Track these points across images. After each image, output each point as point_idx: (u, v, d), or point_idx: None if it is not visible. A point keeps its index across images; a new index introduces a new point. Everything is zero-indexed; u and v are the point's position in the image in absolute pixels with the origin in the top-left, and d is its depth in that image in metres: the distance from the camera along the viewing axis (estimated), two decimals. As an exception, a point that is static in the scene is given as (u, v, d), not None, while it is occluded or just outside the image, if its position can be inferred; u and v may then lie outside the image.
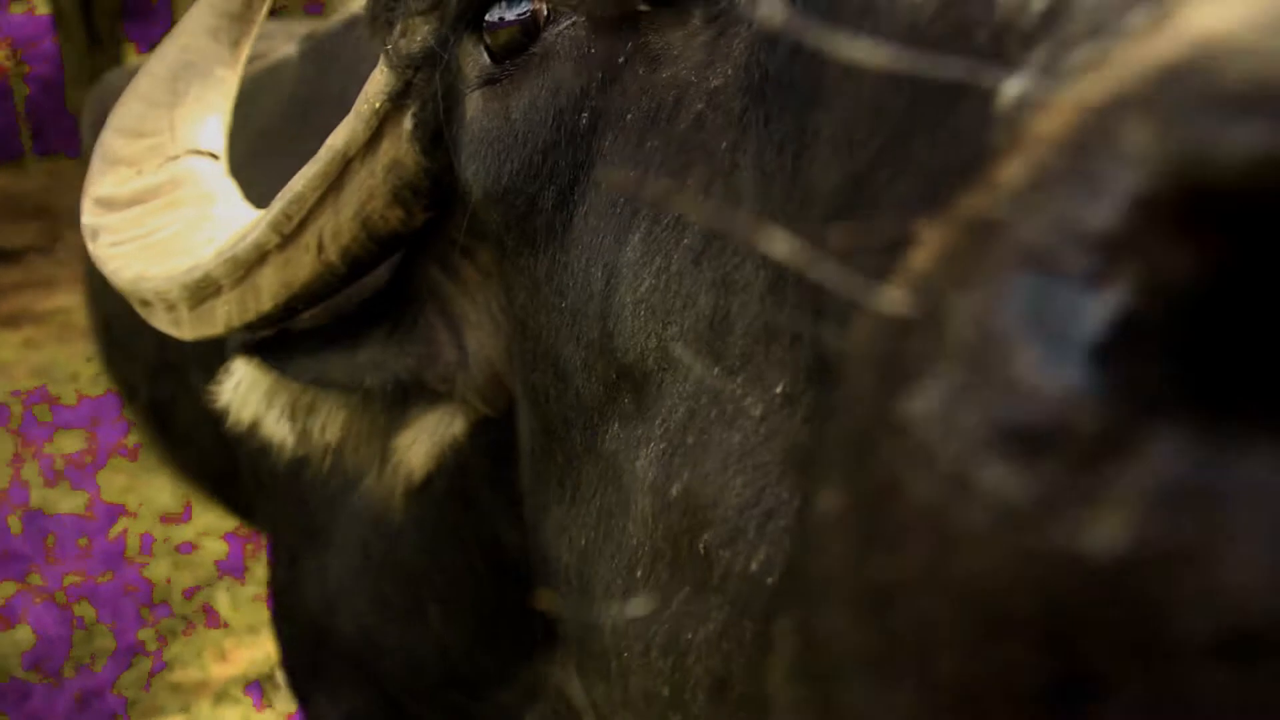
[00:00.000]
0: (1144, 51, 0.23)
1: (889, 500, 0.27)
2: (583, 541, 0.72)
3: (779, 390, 0.51)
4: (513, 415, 0.96)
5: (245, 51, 1.31)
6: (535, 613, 1.41)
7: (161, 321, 1.06)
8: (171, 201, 1.18)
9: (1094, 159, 0.23)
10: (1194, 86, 0.21)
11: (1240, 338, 0.22)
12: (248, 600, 3.88)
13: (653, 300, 0.60)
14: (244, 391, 1.00)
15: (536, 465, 0.84)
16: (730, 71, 0.59)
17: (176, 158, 1.22)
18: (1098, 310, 0.23)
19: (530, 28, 0.72)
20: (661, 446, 0.59)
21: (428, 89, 0.86)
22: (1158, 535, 0.21)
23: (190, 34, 1.29)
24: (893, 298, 0.27)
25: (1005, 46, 0.35)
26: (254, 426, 1.02)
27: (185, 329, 1.04)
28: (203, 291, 0.99)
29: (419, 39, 0.85)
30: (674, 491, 0.57)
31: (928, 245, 0.27)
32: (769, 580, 0.48)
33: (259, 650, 3.63)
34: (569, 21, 0.70)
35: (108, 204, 1.20)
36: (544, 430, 0.81)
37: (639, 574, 0.61)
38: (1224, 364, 0.22)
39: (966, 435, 0.24)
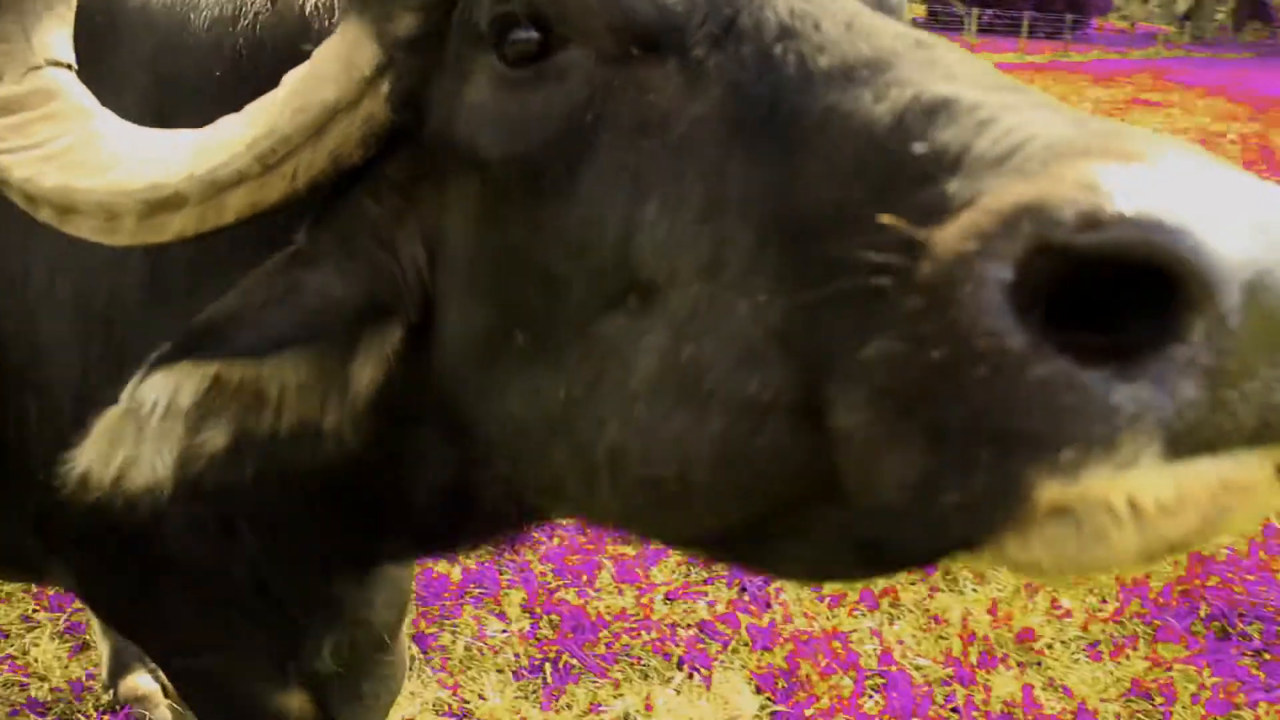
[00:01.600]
0: (1015, 191, 0.69)
1: (952, 321, 0.70)
2: (563, 394, 1.05)
3: (761, 297, 0.90)
4: (429, 320, 1.23)
5: (85, -35, 1.37)
6: (343, 538, 1.63)
7: (89, 230, 1.17)
8: (49, 114, 1.26)
9: (1013, 229, 0.67)
10: (1034, 211, 0.67)
11: (1067, 299, 0.68)
12: None
13: (666, 245, 0.94)
14: (157, 397, 1.06)
15: (489, 350, 1.15)
16: (710, 107, 0.95)
17: (39, 68, 1.28)
18: (1013, 272, 0.67)
19: (543, 46, 1.03)
20: (669, 330, 0.94)
21: (405, 64, 1.12)
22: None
23: (31, -59, 1.32)
24: (947, 248, 0.71)
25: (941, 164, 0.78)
26: (117, 481, 1.07)
27: (123, 236, 1.17)
28: (164, 206, 1.13)
29: (404, 26, 1.10)
30: (683, 355, 0.93)
31: (952, 235, 0.71)
32: (763, 397, 0.87)
33: None
34: (580, 50, 1.02)
35: (-26, 108, 1.23)
36: (502, 323, 1.12)
37: (641, 405, 0.96)
38: (1062, 306, 0.68)
39: (980, 303, 0.68)
